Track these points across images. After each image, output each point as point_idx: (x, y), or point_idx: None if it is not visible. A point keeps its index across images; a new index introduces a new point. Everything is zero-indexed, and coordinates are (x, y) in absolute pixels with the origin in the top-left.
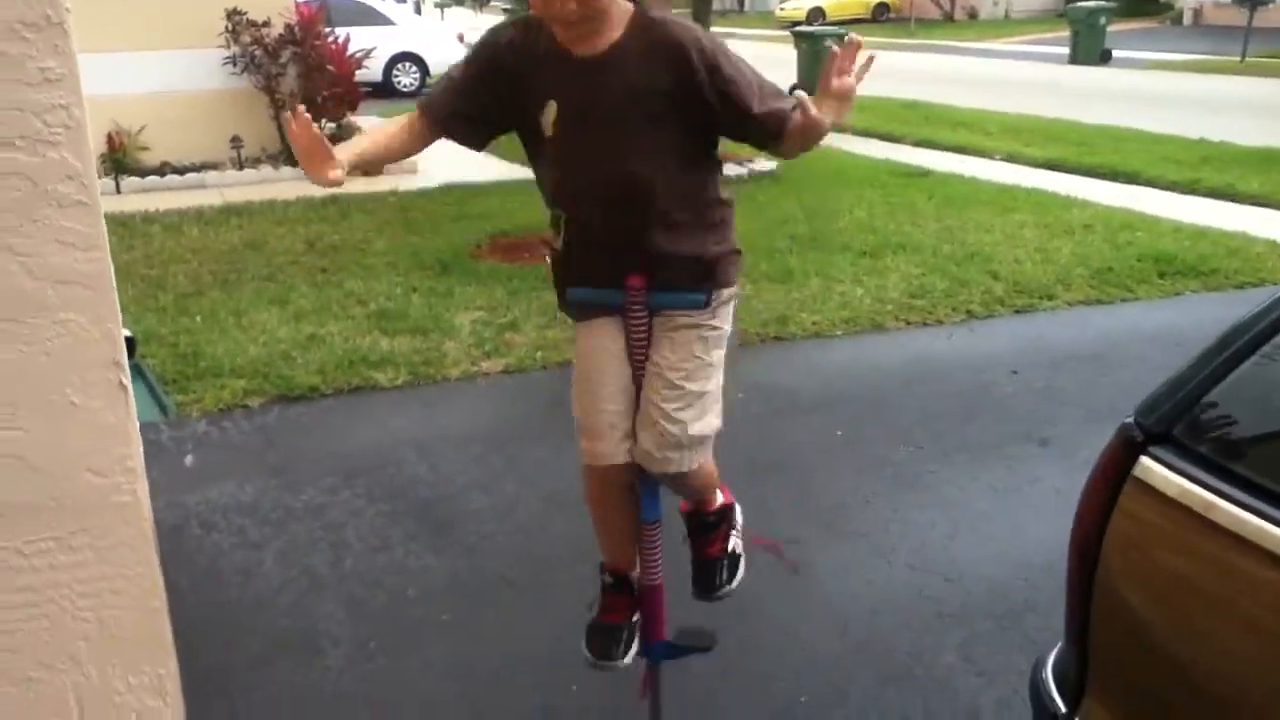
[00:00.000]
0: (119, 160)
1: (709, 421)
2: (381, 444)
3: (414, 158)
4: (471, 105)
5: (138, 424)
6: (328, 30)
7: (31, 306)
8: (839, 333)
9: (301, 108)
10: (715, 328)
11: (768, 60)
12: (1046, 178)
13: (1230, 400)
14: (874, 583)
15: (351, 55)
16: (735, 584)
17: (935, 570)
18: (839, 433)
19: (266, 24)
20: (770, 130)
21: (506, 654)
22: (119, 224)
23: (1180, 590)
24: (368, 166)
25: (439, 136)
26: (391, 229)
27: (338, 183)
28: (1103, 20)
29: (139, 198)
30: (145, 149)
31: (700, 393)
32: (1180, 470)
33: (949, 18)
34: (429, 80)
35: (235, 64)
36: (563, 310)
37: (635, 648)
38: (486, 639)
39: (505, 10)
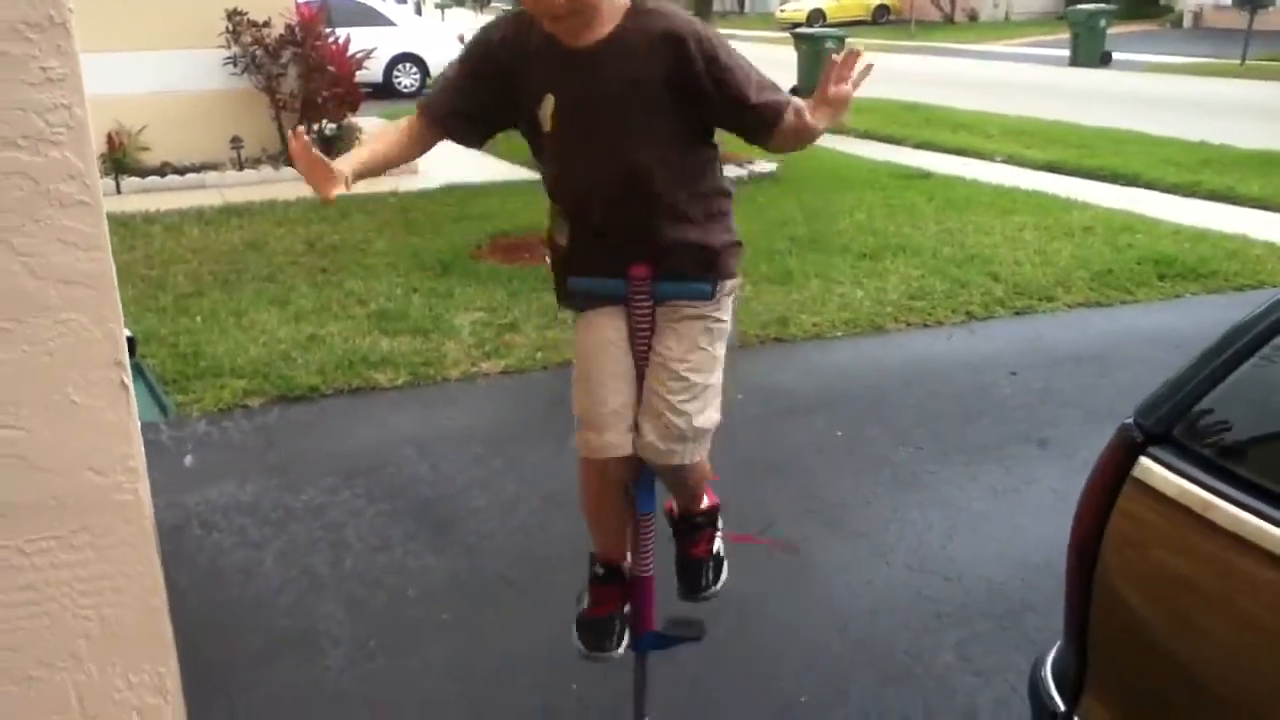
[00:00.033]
0: (119, 160)
1: (711, 415)
2: (382, 444)
3: None
4: (468, 104)
5: (139, 423)
6: (328, 31)
7: (34, 306)
8: (839, 334)
9: (300, 129)
10: (719, 319)
11: (768, 62)
12: (1047, 180)
13: (1229, 402)
14: (873, 582)
15: (352, 56)
16: (720, 584)
17: (934, 570)
18: (839, 433)
19: (267, 24)
20: (766, 121)
21: (506, 653)
22: (119, 224)
23: (1179, 589)
24: (374, 173)
25: (440, 137)
26: (392, 229)
27: (338, 195)
28: (1103, 23)
29: (139, 198)
30: (146, 149)
31: (705, 385)
32: (1179, 470)
33: (949, 20)
34: (429, 81)
35: (236, 64)
36: (562, 302)
37: (627, 638)
38: (486, 639)
39: (507, 11)
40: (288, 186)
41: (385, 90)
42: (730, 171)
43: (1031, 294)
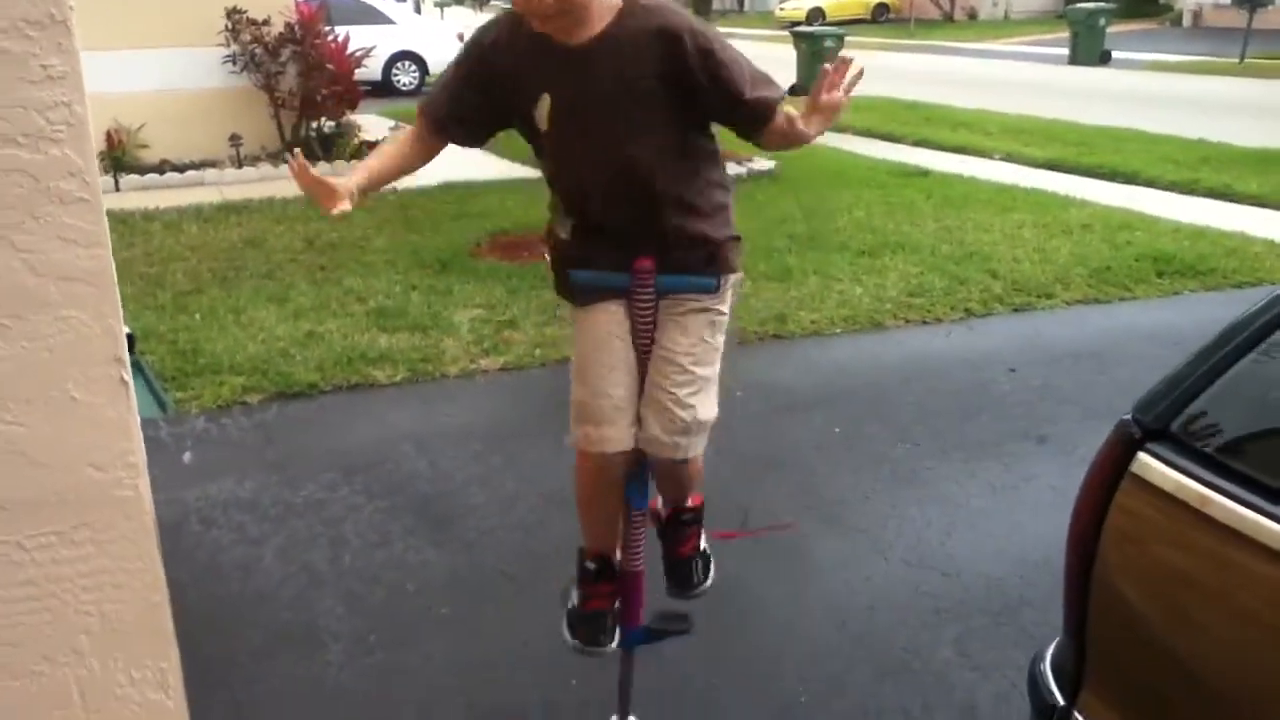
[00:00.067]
0: (118, 158)
1: (712, 407)
2: (381, 441)
3: None
4: (465, 108)
5: (139, 419)
6: (327, 29)
7: (34, 303)
8: (838, 331)
9: (298, 152)
10: (722, 312)
11: (767, 60)
12: (1045, 178)
13: (1227, 398)
14: (872, 579)
15: (351, 54)
16: (710, 580)
17: (933, 566)
18: (837, 430)
19: (266, 22)
20: (760, 115)
21: (506, 649)
22: (118, 221)
23: (1177, 584)
24: (381, 184)
25: (444, 142)
26: (391, 227)
27: (345, 211)
28: (1102, 21)
29: (138, 195)
30: (145, 147)
31: (708, 378)
32: (1177, 466)
33: (948, 18)
34: (429, 79)
35: (235, 62)
36: (562, 295)
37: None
38: (486, 634)
39: (501, 13)
40: (287, 184)
41: (384, 88)
42: (730, 169)
43: (1030, 291)
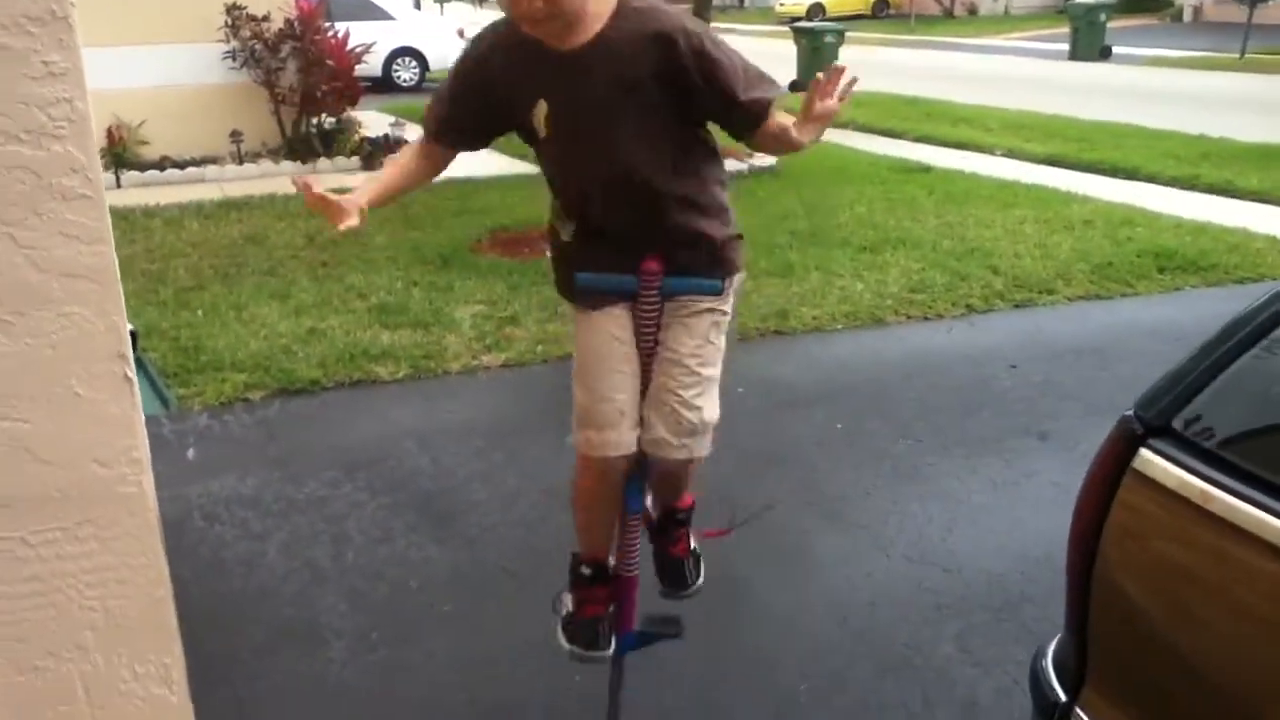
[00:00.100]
0: (119, 154)
1: (716, 407)
2: (383, 437)
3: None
4: (464, 117)
5: (143, 416)
6: (327, 25)
7: (37, 299)
8: (839, 327)
9: (303, 178)
10: (725, 313)
11: (767, 56)
12: (1047, 173)
13: (1229, 394)
14: (873, 575)
15: (351, 50)
16: (701, 579)
17: (934, 562)
18: (839, 426)
19: (266, 18)
20: (754, 115)
21: (508, 645)
22: (119, 218)
23: (1179, 580)
24: (391, 198)
25: (448, 151)
26: (392, 223)
27: (353, 228)
28: (1103, 17)
29: (139, 192)
30: (145, 143)
31: (712, 378)
32: (1179, 462)
33: (949, 14)
34: (429, 75)
35: (235, 58)
36: (563, 295)
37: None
38: (488, 630)
39: (496, 20)
40: (287, 180)
41: (384, 84)
42: (730, 165)
43: (1031, 287)
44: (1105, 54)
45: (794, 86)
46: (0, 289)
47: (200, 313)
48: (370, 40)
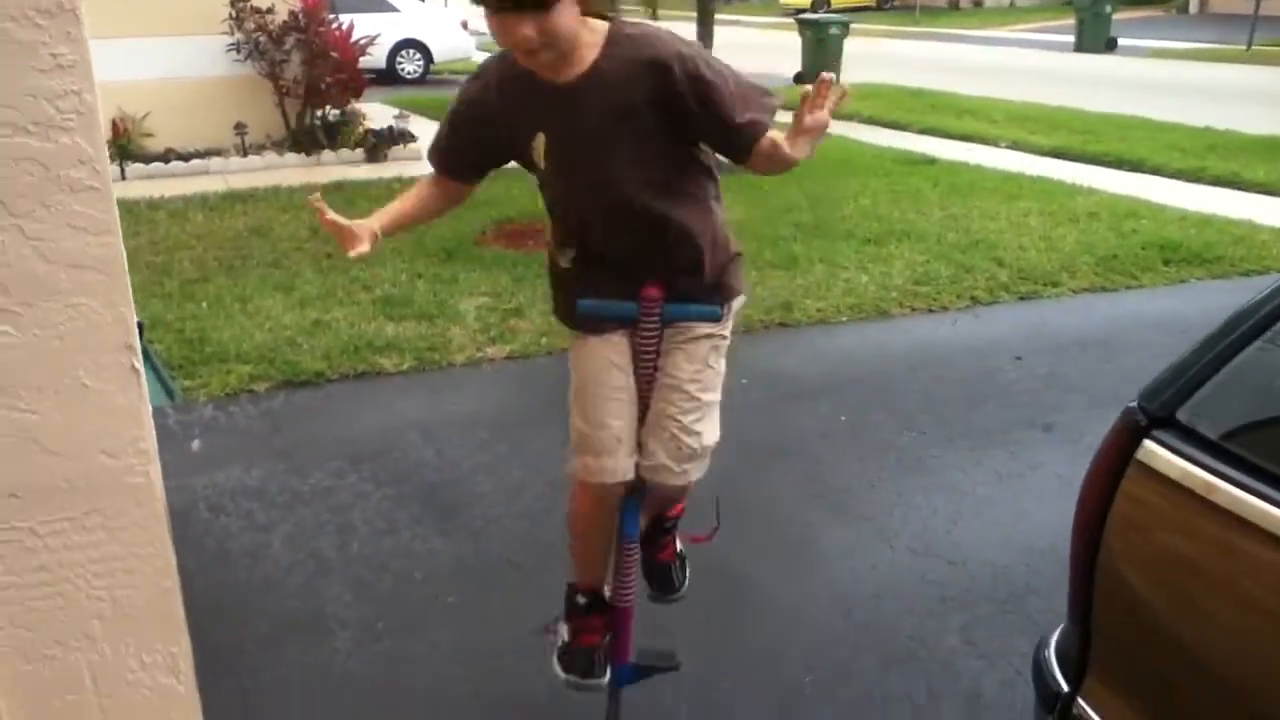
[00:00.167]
0: (124, 146)
1: (716, 431)
2: (387, 429)
3: (416, 143)
4: (465, 150)
5: (150, 406)
6: (331, 17)
7: (44, 290)
8: (843, 319)
9: (316, 195)
10: (725, 337)
11: (771, 48)
12: (1052, 165)
13: (1233, 386)
14: (878, 567)
15: (355, 42)
16: (688, 582)
17: (938, 554)
18: (843, 418)
19: (270, 10)
20: (748, 137)
21: (512, 636)
22: (124, 210)
23: (1182, 572)
24: (403, 228)
25: (461, 184)
26: None
27: (364, 254)
28: (1108, 8)
29: (144, 184)
30: (150, 135)
31: (712, 403)
32: (1183, 454)
33: (954, 5)
34: (433, 67)
35: (239, 50)
36: (563, 322)
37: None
38: (492, 621)
39: (491, 56)
40: (292, 172)
41: (389, 76)
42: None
43: (1036, 279)
44: (1111, 46)
45: (798, 79)
46: (8, 280)
47: (205, 305)
48: (375, 32)
